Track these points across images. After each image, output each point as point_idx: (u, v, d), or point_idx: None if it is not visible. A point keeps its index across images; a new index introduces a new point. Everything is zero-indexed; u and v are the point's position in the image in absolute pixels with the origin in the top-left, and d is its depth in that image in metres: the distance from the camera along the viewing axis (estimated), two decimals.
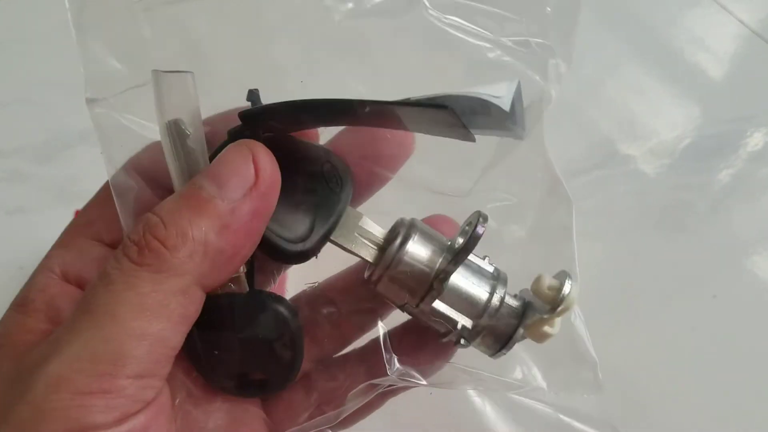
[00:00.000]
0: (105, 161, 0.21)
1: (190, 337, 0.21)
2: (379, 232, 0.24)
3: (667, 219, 0.47)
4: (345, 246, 0.24)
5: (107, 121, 0.21)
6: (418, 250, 0.23)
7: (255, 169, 0.20)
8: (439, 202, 0.27)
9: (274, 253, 0.22)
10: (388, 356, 0.25)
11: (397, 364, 0.25)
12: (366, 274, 0.25)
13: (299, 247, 0.22)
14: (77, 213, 0.30)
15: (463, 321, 0.24)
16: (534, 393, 0.26)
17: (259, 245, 0.21)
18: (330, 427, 0.26)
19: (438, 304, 0.24)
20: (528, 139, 0.24)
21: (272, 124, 0.22)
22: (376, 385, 0.25)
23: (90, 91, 0.20)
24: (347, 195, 0.24)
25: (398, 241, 0.23)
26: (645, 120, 0.51)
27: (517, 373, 0.25)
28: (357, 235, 0.24)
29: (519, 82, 0.22)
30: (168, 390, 0.20)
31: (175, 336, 0.19)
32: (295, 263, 0.23)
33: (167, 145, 0.20)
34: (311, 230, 0.23)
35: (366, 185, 0.26)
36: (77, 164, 0.41)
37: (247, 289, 0.22)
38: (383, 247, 0.24)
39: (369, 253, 0.24)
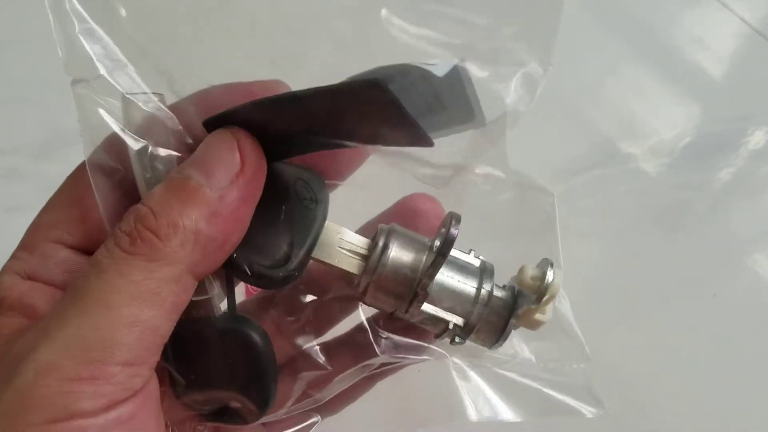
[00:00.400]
0: (83, 142, 0.21)
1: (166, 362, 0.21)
2: (360, 241, 0.24)
3: (667, 218, 0.47)
4: (327, 262, 0.24)
5: (88, 104, 0.21)
6: (399, 255, 0.23)
7: (240, 156, 0.20)
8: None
9: (256, 282, 0.22)
10: (375, 336, 0.25)
11: (385, 342, 0.25)
12: (353, 288, 0.25)
13: (281, 272, 0.22)
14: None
15: (454, 320, 0.24)
16: (521, 367, 0.26)
17: (242, 276, 0.22)
18: (318, 413, 0.26)
19: (427, 307, 0.24)
20: (491, 152, 0.24)
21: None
22: (365, 367, 0.25)
23: (71, 72, 0.20)
24: (323, 210, 0.24)
25: (379, 248, 0.23)
26: (645, 119, 0.51)
27: (506, 348, 0.26)
28: (338, 249, 0.24)
29: (458, 66, 0.21)
30: (156, 380, 0.20)
31: (166, 324, 0.19)
32: (278, 287, 0.23)
33: (136, 164, 0.21)
34: (290, 253, 0.22)
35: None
36: (76, 162, 0.41)
37: (216, 312, 0.22)
38: (366, 256, 0.24)
39: (353, 265, 0.24)
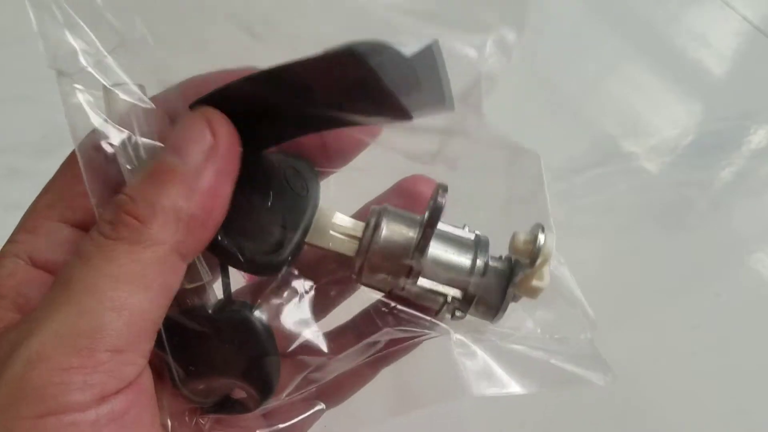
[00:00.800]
0: (70, 131, 0.21)
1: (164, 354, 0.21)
2: (354, 224, 0.24)
3: (669, 216, 0.47)
4: (322, 246, 0.24)
5: (72, 97, 0.21)
6: (391, 233, 0.24)
7: (211, 131, 0.20)
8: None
9: (250, 268, 0.22)
10: (377, 311, 0.25)
11: (389, 318, 0.25)
12: (351, 271, 0.25)
13: (275, 258, 0.22)
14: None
15: (452, 292, 0.24)
16: (526, 340, 0.26)
17: (235, 263, 0.22)
18: (323, 402, 0.26)
19: (423, 282, 0.24)
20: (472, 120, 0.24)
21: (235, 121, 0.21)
22: (368, 347, 0.25)
23: (53, 66, 0.20)
24: (316, 196, 0.24)
25: (371, 228, 0.24)
26: (647, 117, 0.51)
27: (510, 322, 0.25)
28: (332, 233, 0.24)
29: (432, 46, 0.21)
30: (150, 372, 0.20)
31: (156, 308, 0.19)
32: (273, 274, 0.23)
33: (120, 155, 0.21)
34: (284, 239, 0.22)
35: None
36: None
37: (212, 299, 0.22)
38: (360, 238, 0.24)
39: (347, 248, 0.24)
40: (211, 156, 0.20)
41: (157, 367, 0.21)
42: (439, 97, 0.21)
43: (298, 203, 0.23)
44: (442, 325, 0.25)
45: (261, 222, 0.22)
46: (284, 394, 0.24)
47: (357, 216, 0.25)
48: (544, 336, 0.26)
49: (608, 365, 0.26)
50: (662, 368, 0.41)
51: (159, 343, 0.20)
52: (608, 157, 0.49)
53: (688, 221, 0.47)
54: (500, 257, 0.25)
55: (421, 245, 0.23)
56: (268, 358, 0.23)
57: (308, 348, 0.25)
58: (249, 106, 0.21)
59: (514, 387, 0.25)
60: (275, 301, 0.26)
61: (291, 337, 0.25)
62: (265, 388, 0.23)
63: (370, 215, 0.24)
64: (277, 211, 0.23)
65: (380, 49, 0.19)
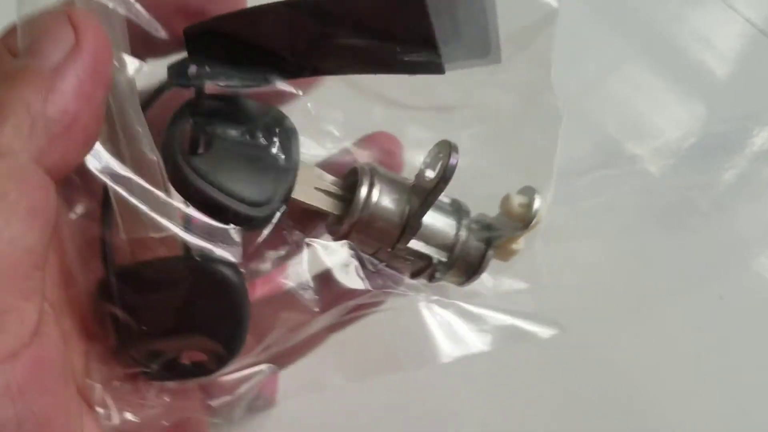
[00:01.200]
0: None
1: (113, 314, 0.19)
2: (334, 181, 0.24)
3: (672, 218, 0.47)
4: (308, 202, 0.23)
5: None
6: (385, 196, 0.23)
7: (73, 28, 0.17)
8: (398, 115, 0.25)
9: (234, 220, 0.21)
10: (368, 268, 0.24)
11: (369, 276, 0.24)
12: (329, 228, 0.24)
13: (266, 210, 0.21)
14: None
15: (438, 255, 0.24)
16: (483, 300, 0.26)
17: (225, 217, 0.20)
18: (274, 364, 0.24)
19: (413, 243, 0.24)
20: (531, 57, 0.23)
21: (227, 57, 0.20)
22: (344, 308, 0.24)
23: None
24: (297, 149, 0.22)
25: (363, 192, 0.23)
26: (649, 119, 0.51)
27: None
28: (315, 189, 0.23)
29: None
30: (54, 329, 0.17)
31: (28, 235, 0.16)
32: (258, 228, 0.22)
33: None
34: (273, 191, 0.21)
35: None
36: None
37: (182, 251, 0.20)
38: (344, 197, 0.23)
39: (333, 206, 0.23)
40: (74, 54, 0.17)
41: (90, 326, 0.19)
42: (484, 47, 0.20)
43: (280, 157, 0.22)
44: (417, 283, 0.25)
45: (247, 173, 0.21)
46: (250, 359, 0.23)
47: (325, 169, 0.24)
48: (496, 295, 0.26)
49: (556, 320, 0.26)
50: (664, 369, 0.41)
51: (105, 296, 0.19)
52: (610, 159, 0.49)
53: (690, 223, 0.47)
54: (477, 220, 0.25)
55: (426, 205, 0.23)
56: (241, 311, 0.21)
57: (293, 302, 0.24)
58: (266, 36, 0.19)
59: (480, 346, 0.25)
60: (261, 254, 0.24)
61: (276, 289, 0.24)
62: (233, 346, 0.21)
63: (360, 175, 0.23)
64: (257, 163, 0.21)
65: None
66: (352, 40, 0.19)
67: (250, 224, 0.21)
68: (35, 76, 0.16)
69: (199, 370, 0.22)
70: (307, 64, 0.21)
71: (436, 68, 0.18)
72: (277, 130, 0.22)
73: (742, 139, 0.50)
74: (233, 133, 0.21)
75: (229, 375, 0.23)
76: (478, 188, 0.25)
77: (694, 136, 0.50)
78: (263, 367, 0.24)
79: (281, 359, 0.24)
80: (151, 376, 0.21)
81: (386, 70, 0.20)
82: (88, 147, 0.18)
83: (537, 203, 0.24)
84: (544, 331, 0.26)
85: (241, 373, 0.23)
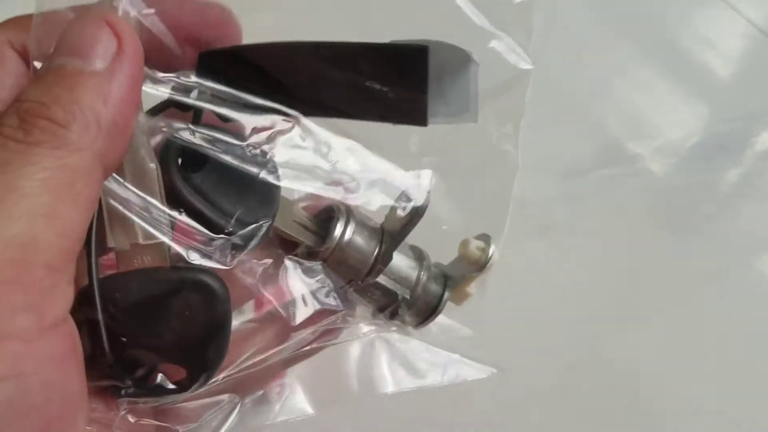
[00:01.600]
0: None
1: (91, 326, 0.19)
2: (309, 216, 0.25)
3: (675, 217, 0.47)
4: (287, 231, 0.24)
5: None
6: (358, 234, 0.25)
7: (114, 32, 0.18)
8: None
9: (225, 228, 0.21)
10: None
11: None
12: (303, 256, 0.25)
13: (253, 230, 0.22)
14: None
15: (403, 292, 0.26)
16: (432, 340, 0.28)
17: (214, 232, 0.21)
18: (236, 393, 0.24)
19: (382, 279, 0.25)
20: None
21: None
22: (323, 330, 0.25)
23: None
24: (278, 179, 0.23)
25: (339, 228, 0.24)
26: (652, 119, 0.51)
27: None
28: (293, 221, 0.24)
29: (474, 61, 0.22)
30: (72, 322, 0.17)
31: (82, 224, 0.17)
32: (245, 247, 0.22)
33: None
34: (258, 214, 0.22)
35: None
36: None
37: (168, 263, 0.20)
38: (317, 232, 0.25)
39: (310, 239, 0.25)
40: (120, 58, 0.18)
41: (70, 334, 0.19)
42: (463, 107, 0.22)
43: (265, 183, 0.22)
44: (379, 322, 0.27)
45: (235, 192, 0.22)
46: (223, 375, 0.23)
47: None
48: (443, 336, 0.28)
49: (496, 363, 0.29)
50: (667, 369, 0.41)
51: (86, 304, 0.19)
52: (614, 159, 0.49)
53: (693, 222, 0.47)
54: (434, 264, 0.27)
55: (394, 243, 0.25)
56: (224, 323, 0.21)
57: (264, 326, 0.24)
58: (274, 71, 0.20)
59: (429, 380, 0.27)
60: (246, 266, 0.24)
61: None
62: (215, 358, 0.21)
63: (337, 212, 0.25)
64: (251, 186, 0.22)
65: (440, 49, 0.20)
66: (350, 89, 0.21)
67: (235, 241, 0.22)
68: (91, 81, 0.17)
69: (172, 388, 0.21)
70: (306, 100, 0.22)
71: (421, 122, 0.20)
72: (264, 160, 0.22)
73: (744, 138, 0.50)
74: (226, 157, 0.21)
75: (194, 401, 0.23)
76: (434, 235, 0.27)
77: (696, 135, 0.50)
78: (225, 396, 0.24)
79: (243, 388, 0.24)
80: (122, 391, 0.21)
81: (374, 118, 0.21)
82: (129, 141, 0.19)
83: (492, 249, 0.26)
84: (486, 371, 0.28)
85: (206, 400, 0.24)
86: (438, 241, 0.27)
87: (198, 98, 0.21)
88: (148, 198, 0.20)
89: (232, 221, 0.21)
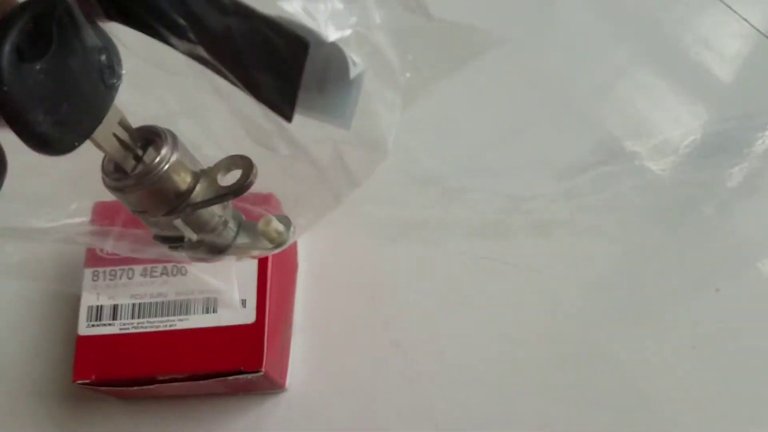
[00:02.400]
0: None
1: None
2: (132, 132, 0.23)
3: (673, 215, 0.47)
4: (102, 145, 0.22)
5: None
6: (177, 168, 0.24)
7: None
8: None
9: (31, 139, 0.19)
10: None
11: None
12: (105, 174, 0.24)
13: (73, 139, 0.20)
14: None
15: (190, 235, 0.26)
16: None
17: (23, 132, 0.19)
18: None
19: (178, 222, 0.25)
20: None
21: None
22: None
23: None
24: (116, 90, 0.22)
25: (162, 154, 0.23)
26: (650, 117, 0.51)
27: None
28: (113, 134, 0.22)
29: (363, 72, 0.21)
30: None
31: None
32: (59, 154, 0.20)
33: None
34: (76, 122, 0.20)
35: None
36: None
37: None
38: (137, 155, 0.23)
39: (123, 158, 0.23)
40: None
41: None
42: (339, 111, 0.22)
43: (100, 91, 0.21)
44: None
45: (64, 93, 0.20)
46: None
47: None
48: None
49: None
50: (665, 367, 0.41)
51: None
52: (613, 157, 0.49)
53: (691, 220, 0.47)
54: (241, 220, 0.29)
55: (203, 205, 0.25)
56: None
57: None
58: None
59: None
60: None
61: None
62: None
63: (163, 138, 0.23)
64: (81, 93, 0.20)
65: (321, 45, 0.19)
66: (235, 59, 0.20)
67: (44, 147, 0.20)
68: None
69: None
70: (194, 37, 0.20)
71: (286, 116, 0.20)
72: (106, 65, 0.21)
73: (742, 137, 0.50)
74: (69, 49, 0.19)
75: None
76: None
77: (695, 134, 0.50)
78: None
79: None
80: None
81: (249, 90, 0.21)
82: None
83: (291, 234, 0.27)
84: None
85: None
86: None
87: None
88: None
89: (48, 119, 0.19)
